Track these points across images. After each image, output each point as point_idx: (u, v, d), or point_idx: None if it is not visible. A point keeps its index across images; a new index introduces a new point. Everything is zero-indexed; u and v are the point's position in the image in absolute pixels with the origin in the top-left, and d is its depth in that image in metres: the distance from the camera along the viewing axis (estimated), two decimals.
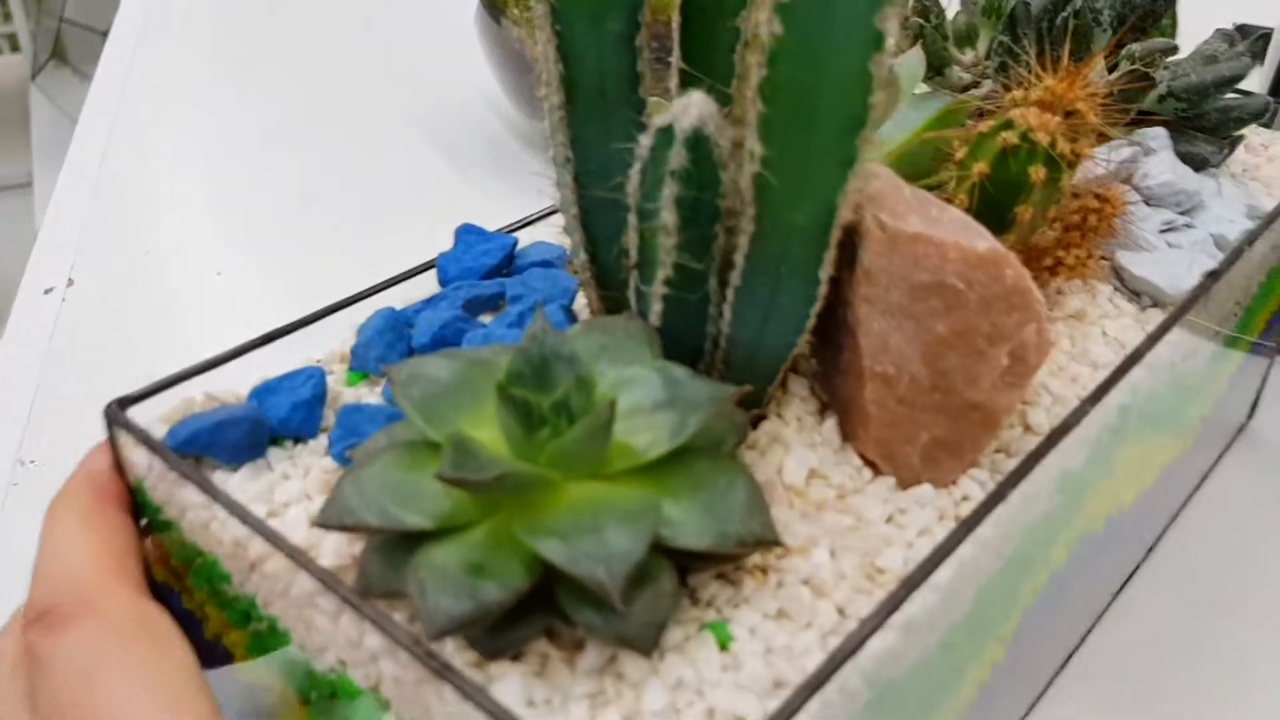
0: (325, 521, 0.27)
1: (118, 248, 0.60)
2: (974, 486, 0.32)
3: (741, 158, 0.29)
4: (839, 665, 0.25)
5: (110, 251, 0.60)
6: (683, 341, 0.32)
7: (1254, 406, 0.56)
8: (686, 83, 0.32)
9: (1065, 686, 0.44)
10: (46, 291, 0.56)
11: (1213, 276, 0.39)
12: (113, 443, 0.33)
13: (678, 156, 0.29)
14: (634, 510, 0.26)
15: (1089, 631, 0.46)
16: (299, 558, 0.28)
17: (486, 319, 0.37)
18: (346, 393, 0.34)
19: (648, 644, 0.26)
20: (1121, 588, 0.47)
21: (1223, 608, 0.47)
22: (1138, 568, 0.48)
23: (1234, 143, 0.46)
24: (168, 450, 0.31)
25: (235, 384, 0.34)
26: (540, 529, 0.26)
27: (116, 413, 0.32)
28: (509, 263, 0.39)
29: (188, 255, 0.60)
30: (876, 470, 0.33)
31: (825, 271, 0.29)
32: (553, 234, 0.42)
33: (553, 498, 0.27)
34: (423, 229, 0.41)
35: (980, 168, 0.35)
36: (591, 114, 0.32)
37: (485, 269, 0.38)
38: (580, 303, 0.37)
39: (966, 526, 0.29)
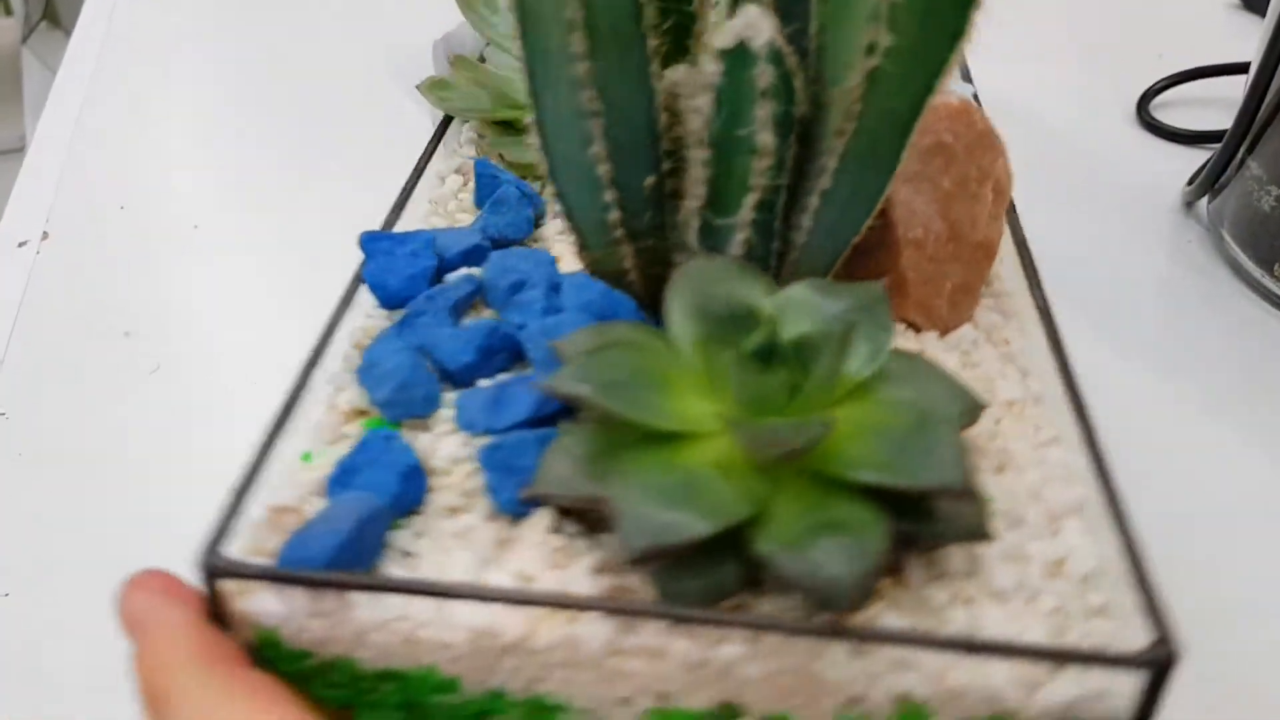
0: (655, 547, 0.24)
1: (93, 201, 0.59)
2: (991, 315, 0.36)
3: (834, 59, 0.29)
4: (1112, 488, 0.28)
5: (86, 205, 0.59)
6: (753, 263, 0.31)
7: None
8: None
9: None
10: (20, 245, 0.55)
11: None
12: (216, 602, 0.25)
13: (764, 74, 0.28)
14: (925, 414, 0.27)
15: None
16: (607, 605, 0.25)
17: (475, 318, 0.33)
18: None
19: (989, 527, 0.27)
20: None
21: None
22: None
23: None
24: (332, 576, 0.25)
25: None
26: (866, 464, 0.25)
27: (221, 561, 0.25)
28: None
29: (164, 208, 0.59)
30: (917, 329, 0.35)
31: (906, 153, 0.30)
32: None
33: (831, 437, 0.27)
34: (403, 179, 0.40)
35: None
36: (611, 58, 0.30)
37: (430, 271, 0.34)
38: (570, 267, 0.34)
39: (1055, 340, 0.33)
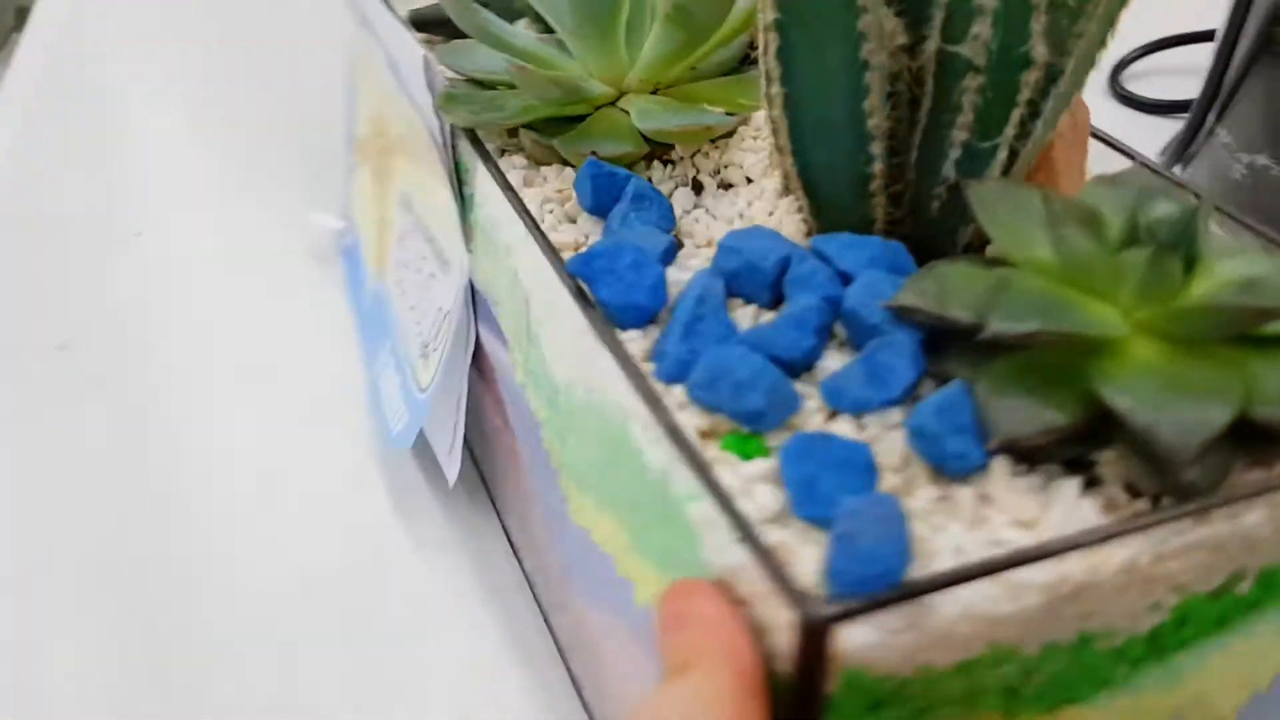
0: (1203, 440, 0.25)
1: (30, 208, 0.58)
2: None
3: None
4: None
5: (21, 212, 0.58)
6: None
7: None
8: None
9: None
10: None
11: None
12: (820, 653, 0.23)
13: None
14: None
15: None
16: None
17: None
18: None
19: None
20: None
21: None
22: None
23: None
24: (940, 577, 0.24)
25: None
26: None
27: (833, 605, 0.23)
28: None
29: (105, 216, 0.58)
30: None
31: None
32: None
33: None
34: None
35: None
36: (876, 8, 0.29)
37: (662, 277, 0.31)
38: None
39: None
